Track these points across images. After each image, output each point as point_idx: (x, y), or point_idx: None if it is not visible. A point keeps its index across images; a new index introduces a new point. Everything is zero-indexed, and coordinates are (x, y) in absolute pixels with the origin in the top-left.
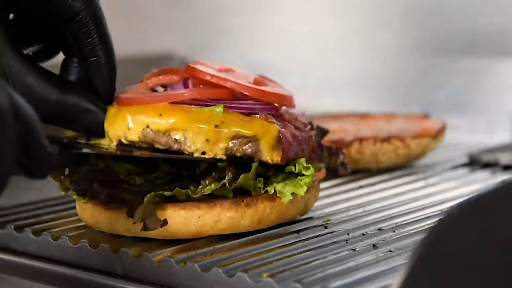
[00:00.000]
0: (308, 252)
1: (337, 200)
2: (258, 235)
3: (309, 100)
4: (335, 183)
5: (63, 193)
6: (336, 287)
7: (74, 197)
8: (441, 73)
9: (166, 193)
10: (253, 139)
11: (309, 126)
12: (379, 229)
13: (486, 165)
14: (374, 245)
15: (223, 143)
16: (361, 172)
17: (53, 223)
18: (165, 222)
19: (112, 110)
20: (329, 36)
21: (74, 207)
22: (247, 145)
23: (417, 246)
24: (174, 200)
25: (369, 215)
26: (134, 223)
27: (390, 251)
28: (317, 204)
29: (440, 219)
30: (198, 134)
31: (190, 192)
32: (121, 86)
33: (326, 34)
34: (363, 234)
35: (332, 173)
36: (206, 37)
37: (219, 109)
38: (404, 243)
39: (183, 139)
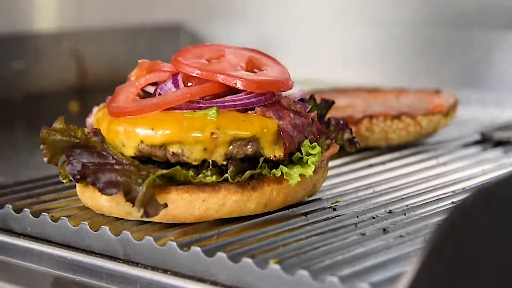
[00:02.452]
0: (316, 236)
1: (346, 179)
2: (265, 217)
3: (318, 74)
4: (344, 161)
5: (64, 181)
6: (345, 275)
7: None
8: (452, 47)
9: (164, 171)
10: (253, 139)
11: (309, 107)
12: (390, 212)
13: (498, 143)
14: (384, 229)
15: (222, 149)
16: (370, 149)
17: (52, 204)
18: (165, 206)
19: (104, 123)
20: (340, 9)
21: (75, 186)
22: (247, 146)
23: (431, 235)
24: (176, 183)
25: (379, 197)
26: (133, 208)
27: (401, 236)
28: (325, 184)
29: (455, 205)
30: (194, 145)
31: (189, 176)
32: (129, 57)
33: (336, 7)
34: (373, 218)
35: (339, 149)
36: (213, 8)
37: (212, 112)
38: (415, 227)
39: (180, 151)
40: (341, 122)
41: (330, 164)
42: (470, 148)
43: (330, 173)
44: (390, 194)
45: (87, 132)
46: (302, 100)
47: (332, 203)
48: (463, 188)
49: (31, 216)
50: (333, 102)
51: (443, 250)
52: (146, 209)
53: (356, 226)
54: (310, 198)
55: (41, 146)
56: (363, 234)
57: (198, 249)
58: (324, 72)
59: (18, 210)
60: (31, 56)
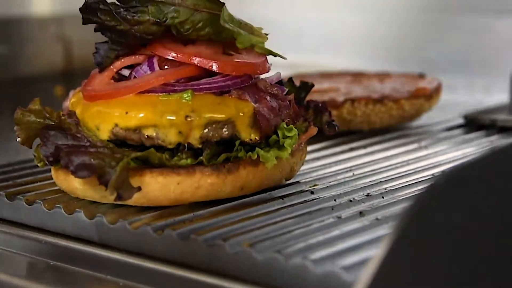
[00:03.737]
0: (292, 219)
1: (326, 163)
2: (241, 201)
3: (305, 58)
4: (325, 145)
5: (39, 165)
6: (317, 259)
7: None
8: (438, 31)
9: (138, 154)
10: (228, 122)
11: (286, 90)
12: (367, 195)
13: (482, 127)
14: (361, 212)
15: (197, 132)
16: (352, 133)
17: (28, 187)
18: (138, 189)
19: (79, 106)
20: None
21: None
22: (222, 129)
23: (402, 216)
24: (150, 165)
25: (358, 180)
26: (106, 191)
27: (377, 219)
28: (304, 167)
29: (426, 188)
30: (169, 128)
31: (164, 159)
32: None
33: None
34: (350, 201)
35: (320, 133)
36: None
37: (187, 95)
38: (392, 210)
39: (154, 135)
40: (320, 105)
41: (311, 147)
42: (453, 131)
43: (310, 156)
44: (370, 177)
45: (62, 114)
46: (280, 82)
47: (310, 186)
48: (443, 172)
49: (6, 199)
50: (312, 85)
51: (412, 233)
52: (119, 193)
53: (332, 209)
54: (288, 182)
55: (15, 127)
56: (339, 217)
57: (172, 232)
58: (311, 56)
59: None
60: (18, 41)
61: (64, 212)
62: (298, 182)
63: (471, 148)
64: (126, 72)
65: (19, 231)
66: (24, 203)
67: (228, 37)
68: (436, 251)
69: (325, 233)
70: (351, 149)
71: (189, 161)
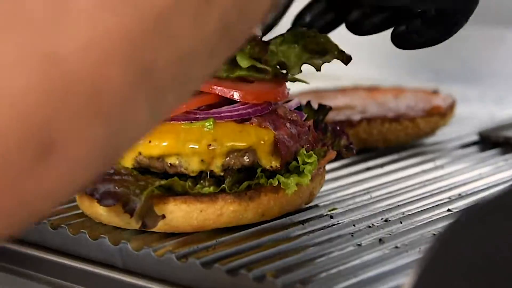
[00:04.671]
0: (313, 247)
1: (344, 184)
2: (262, 226)
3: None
4: (341, 164)
5: None
6: None
7: None
8: (451, 41)
9: (162, 182)
10: (249, 150)
11: (304, 116)
12: (386, 220)
13: (496, 144)
14: (380, 240)
15: (219, 160)
16: (368, 151)
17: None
18: (163, 217)
19: None
20: None
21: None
22: (244, 157)
23: (426, 253)
24: (174, 193)
25: (376, 203)
26: (131, 218)
27: (396, 247)
28: (323, 188)
29: (447, 226)
30: (191, 156)
31: (187, 187)
32: None
33: None
34: (369, 226)
35: (336, 155)
36: None
37: (209, 124)
38: (411, 237)
39: (177, 163)
40: (338, 128)
41: (328, 166)
42: (467, 149)
43: (328, 176)
44: (387, 200)
45: None
46: (298, 108)
47: (329, 210)
48: (459, 194)
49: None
50: (330, 108)
51: (433, 273)
52: (144, 221)
53: (352, 235)
54: (307, 205)
55: None
56: (359, 245)
57: (196, 260)
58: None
59: None
60: None
61: (89, 238)
62: (317, 205)
63: (487, 168)
64: None
65: (44, 253)
66: (49, 227)
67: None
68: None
69: (346, 262)
70: (368, 169)
71: (211, 189)
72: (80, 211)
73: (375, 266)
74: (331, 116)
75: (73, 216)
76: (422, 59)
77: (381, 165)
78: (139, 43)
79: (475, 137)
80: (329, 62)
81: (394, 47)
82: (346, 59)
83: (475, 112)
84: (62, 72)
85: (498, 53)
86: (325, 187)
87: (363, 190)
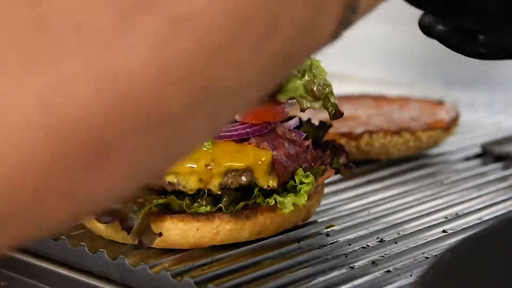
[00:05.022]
0: (307, 268)
1: (343, 198)
2: (259, 243)
3: (327, 66)
4: (342, 177)
5: None
6: None
7: None
8: None
9: (160, 200)
10: (247, 170)
11: (303, 135)
12: (381, 241)
13: (499, 157)
14: (373, 262)
15: (216, 180)
16: (370, 162)
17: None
18: (160, 235)
19: None
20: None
21: None
22: (241, 177)
23: None
24: (171, 211)
25: (373, 221)
26: (128, 235)
27: (389, 271)
28: (323, 202)
29: (430, 264)
30: (189, 175)
31: (184, 205)
32: None
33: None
34: (364, 247)
35: (335, 173)
36: None
37: (207, 143)
38: (404, 259)
39: (176, 181)
40: (337, 146)
41: (329, 180)
42: (469, 162)
43: (328, 190)
44: (384, 218)
45: None
46: (298, 126)
47: (326, 227)
48: (456, 213)
49: None
50: (330, 125)
51: None
52: (141, 239)
53: (346, 256)
54: (306, 222)
55: None
56: (352, 268)
57: (190, 280)
58: (334, 65)
59: None
60: None
61: (88, 251)
62: (315, 222)
63: (486, 184)
64: None
65: (46, 264)
66: (50, 238)
67: None
68: None
69: (337, 285)
70: (368, 182)
71: (208, 208)
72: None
73: None
74: (334, 126)
75: (74, 227)
76: (431, 62)
77: (381, 179)
78: (201, 69)
79: (478, 150)
80: (314, 109)
81: (404, 49)
82: (334, 115)
83: (481, 121)
84: (124, 87)
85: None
86: (325, 201)
87: (362, 205)
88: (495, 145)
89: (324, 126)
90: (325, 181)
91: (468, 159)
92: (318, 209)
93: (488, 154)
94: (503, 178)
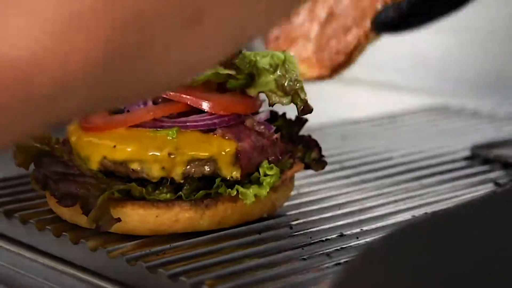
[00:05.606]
0: (262, 258)
1: (318, 198)
2: (219, 233)
3: (380, 76)
4: (325, 178)
5: (35, 188)
6: None
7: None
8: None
9: (121, 186)
10: (210, 160)
11: (273, 129)
12: (341, 235)
13: (488, 161)
14: (328, 255)
15: (179, 168)
16: (358, 164)
17: (28, 204)
18: (118, 220)
19: (75, 135)
20: None
21: None
22: (204, 166)
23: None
24: (132, 197)
25: (340, 217)
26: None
27: (339, 263)
28: (296, 201)
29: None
30: (153, 163)
31: (144, 192)
32: None
33: None
34: (322, 241)
35: (307, 168)
36: None
37: (172, 132)
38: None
39: (139, 169)
40: (310, 140)
41: (310, 173)
42: (455, 164)
43: (307, 189)
44: (353, 214)
45: (60, 141)
46: (274, 116)
47: (293, 221)
48: (425, 213)
49: (4, 215)
50: (306, 120)
51: None
52: (98, 224)
53: (303, 249)
54: (272, 216)
55: (14, 149)
56: (305, 259)
57: (143, 264)
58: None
59: None
60: None
61: (52, 234)
62: (282, 215)
63: (465, 190)
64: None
65: (11, 247)
66: (19, 221)
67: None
68: None
69: (286, 276)
70: (348, 184)
71: (168, 195)
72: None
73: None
74: None
75: (44, 212)
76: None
77: (364, 181)
78: None
79: (468, 153)
80: (283, 104)
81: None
82: (303, 111)
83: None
84: None
85: None
86: (299, 200)
87: (336, 204)
88: (485, 148)
89: (300, 121)
90: (293, 184)
91: (455, 161)
92: (289, 204)
93: (477, 157)
94: (485, 181)
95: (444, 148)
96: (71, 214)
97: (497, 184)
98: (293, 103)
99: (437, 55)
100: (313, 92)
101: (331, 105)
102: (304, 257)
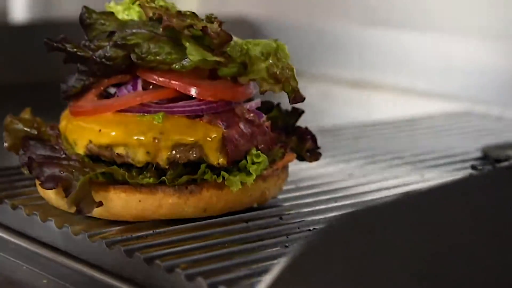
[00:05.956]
0: (243, 245)
1: (319, 191)
2: (204, 222)
3: (404, 82)
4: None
5: (24, 172)
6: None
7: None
8: None
9: (103, 170)
10: (196, 145)
11: (264, 117)
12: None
13: (498, 161)
14: None
15: (164, 153)
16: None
17: (18, 191)
18: (99, 204)
19: (64, 119)
20: (470, 20)
21: None
22: (190, 152)
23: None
24: (115, 182)
25: (335, 209)
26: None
27: None
28: (293, 194)
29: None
30: (138, 148)
31: (127, 176)
32: None
33: (466, 18)
34: (309, 230)
35: (301, 159)
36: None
37: (158, 117)
38: None
39: (124, 153)
40: (304, 131)
41: (308, 166)
42: (464, 163)
43: (307, 182)
44: (347, 207)
45: (48, 126)
46: (271, 107)
47: (284, 212)
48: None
49: None
50: (302, 112)
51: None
52: (79, 206)
53: (287, 237)
54: (263, 206)
55: (4, 133)
56: (286, 247)
57: (121, 248)
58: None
59: None
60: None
61: (39, 219)
62: (274, 206)
63: None
64: (112, 91)
65: (4, 233)
66: (9, 207)
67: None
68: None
69: (263, 263)
70: (350, 176)
71: (151, 180)
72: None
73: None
74: None
75: (35, 198)
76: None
77: (364, 175)
78: None
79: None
80: (274, 92)
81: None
82: (294, 99)
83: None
84: None
85: None
86: (296, 193)
87: (332, 198)
88: (497, 149)
89: (296, 112)
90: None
91: (465, 161)
92: (284, 196)
93: (488, 157)
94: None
95: (456, 149)
96: (56, 198)
97: (474, 168)
98: (284, 91)
99: (463, 61)
100: (332, 96)
101: (350, 109)
102: (287, 244)
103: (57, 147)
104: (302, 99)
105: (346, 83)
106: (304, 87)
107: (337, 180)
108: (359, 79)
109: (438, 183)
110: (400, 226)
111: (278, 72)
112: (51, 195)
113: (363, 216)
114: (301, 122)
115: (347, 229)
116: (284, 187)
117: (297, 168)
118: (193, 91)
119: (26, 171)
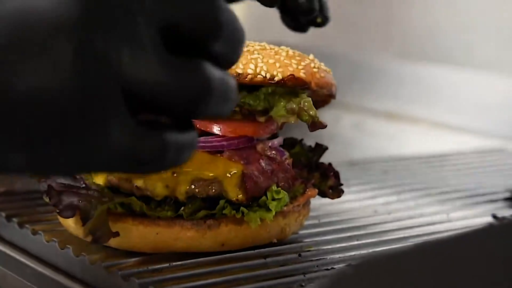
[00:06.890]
0: (258, 283)
1: (338, 228)
2: (222, 256)
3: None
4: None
5: (45, 199)
6: None
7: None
8: None
9: (120, 200)
10: (215, 180)
11: (286, 154)
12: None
13: None
14: None
15: (183, 187)
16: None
17: (40, 216)
18: (116, 234)
19: None
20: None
21: None
22: (209, 187)
23: None
24: (133, 213)
25: (355, 248)
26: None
27: None
28: (316, 230)
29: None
30: (157, 181)
31: (144, 208)
32: None
33: (505, 55)
34: (327, 270)
35: (323, 195)
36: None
37: None
38: None
39: (143, 186)
40: (327, 167)
41: (330, 201)
42: (494, 204)
43: (329, 218)
44: (370, 247)
45: None
46: (293, 143)
47: (303, 249)
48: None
49: (17, 226)
50: (326, 148)
51: None
52: (95, 236)
53: (304, 276)
54: (283, 242)
55: None
56: (302, 286)
57: (136, 280)
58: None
59: (9, 218)
60: None
61: (57, 246)
62: (294, 242)
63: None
64: None
65: (21, 257)
66: (30, 232)
67: None
68: None
69: None
70: (375, 212)
71: (169, 213)
72: None
73: None
74: None
75: (54, 224)
76: None
77: (389, 213)
78: None
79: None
80: (290, 123)
81: None
82: (312, 126)
83: None
84: None
85: None
86: (317, 229)
87: (354, 236)
88: None
89: (319, 148)
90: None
91: (492, 201)
92: (305, 232)
93: None
94: None
95: (485, 189)
96: (76, 227)
97: (495, 217)
98: (300, 120)
99: (498, 98)
100: (364, 127)
101: (381, 142)
102: (303, 284)
103: (78, 177)
104: (323, 126)
105: (380, 115)
106: (337, 117)
107: (361, 217)
108: (393, 111)
109: (455, 234)
110: (415, 277)
111: (294, 106)
112: (71, 223)
113: (377, 265)
114: (331, 153)
115: (360, 277)
116: (306, 222)
117: (321, 202)
118: (215, 130)
119: (46, 199)
